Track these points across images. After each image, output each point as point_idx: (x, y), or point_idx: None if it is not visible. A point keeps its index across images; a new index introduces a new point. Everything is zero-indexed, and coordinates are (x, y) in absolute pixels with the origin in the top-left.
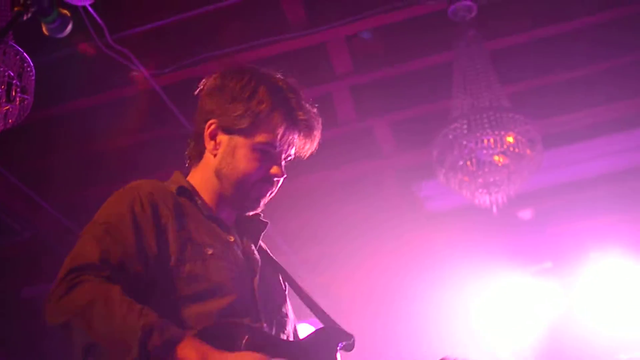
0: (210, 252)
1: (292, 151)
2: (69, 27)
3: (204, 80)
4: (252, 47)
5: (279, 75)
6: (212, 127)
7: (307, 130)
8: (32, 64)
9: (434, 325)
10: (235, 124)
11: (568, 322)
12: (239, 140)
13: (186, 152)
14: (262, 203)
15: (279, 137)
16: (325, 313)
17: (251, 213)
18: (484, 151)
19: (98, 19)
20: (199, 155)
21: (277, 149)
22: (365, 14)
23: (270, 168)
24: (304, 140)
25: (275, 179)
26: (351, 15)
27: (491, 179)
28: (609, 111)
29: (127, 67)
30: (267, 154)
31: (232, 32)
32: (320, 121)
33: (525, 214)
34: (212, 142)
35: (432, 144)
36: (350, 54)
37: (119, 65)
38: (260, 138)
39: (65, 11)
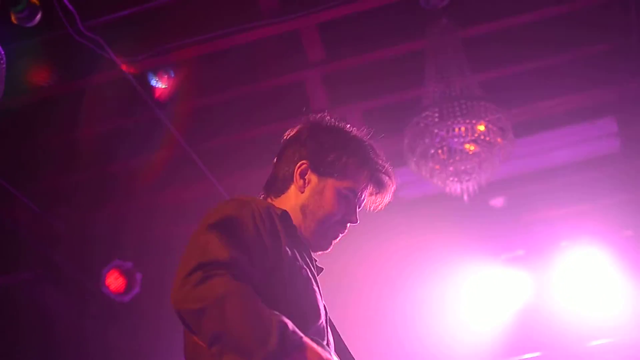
0: (309, 275)
1: (363, 203)
2: (38, 16)
3: (289, 130)
4: (225, 35)
5: (364, 135)
6: (304, 166)
7: (383, 189)
8: (2, 52)
9: (404, 311)
10: (327, 168)
11: (539, 309)
12: (328, 182)
13: (264, 186)
14: (332, 244)
15: (361, 187)
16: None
17: (319, 253)
18: (455, 139)
19: (69, 5)
20: (281, 189)
21: (357, 198)
22: (337, 2)
23: (347, 213)
24: (377, 197)
25: (349, 224)
26: (323, 3)
27: (462, 167)
28: (579, 100)
29: (99, 54)
30: (348, 200)
31: (204, 20)
32: (393, 184)
33: (497, 202)
34: (302, 181)
35: (404, 132)
36: (323, 41)
37: (90, 52)
38: (347, 184)
39: (35, 0)
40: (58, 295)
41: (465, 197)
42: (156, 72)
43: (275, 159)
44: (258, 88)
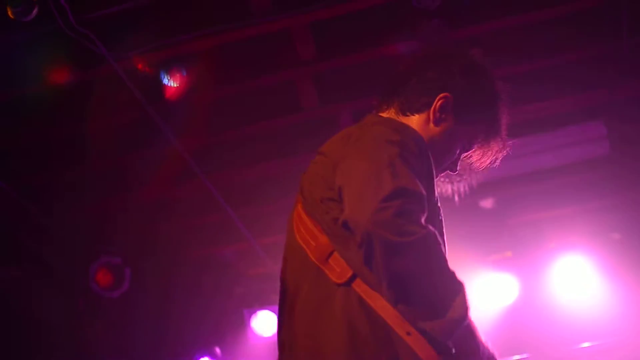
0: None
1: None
2: (35, 10)
3: (438, 45)
4: (216, 33)
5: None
6: (446, 101)
7: (493, 158)
8: None
9: None
10: (468, 116)
11: (527, 311)
12: (461, 129)
13: (388, 92)
14: None
15: (477, 143)
16: None
17: None
18: None
19: (61, 0)
20: (413, 109)
21: (468, 151)
22: (329, 1)
23: (454, 160)
24: (484, 159)
25: (452, 171)
26: (316, 2)
27: None
28: (569, 103)
29: (90, 50)
30: (463, 150)
31: (196, 18)
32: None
33: (486, 203)
34: (439, 114)
35: None
36: (315, 41)
37: (82, 48)
38: (473, 139)
39: None
40: (46, 291)
41: (456, 198)
42: (168, 70)
43: (410, 65)
44: (248, 86)
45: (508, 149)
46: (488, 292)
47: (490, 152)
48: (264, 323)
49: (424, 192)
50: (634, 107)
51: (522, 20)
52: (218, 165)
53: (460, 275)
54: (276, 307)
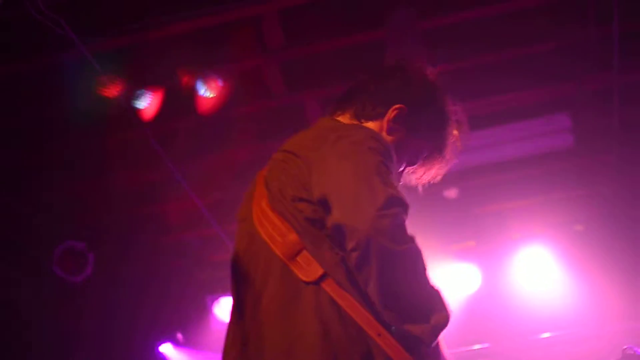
0: None
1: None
2: None
3: (397, 56)
4: (184, 18)
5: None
6: (400, 113)
7: (433, 176)
8: None
9: None
10: (419, 129)
11: (489, 301)
12: (412, 141)
13: (349, 98)
14: None
15: (421, 162)
16: None
17: None
18: None
19: None
20: (369, 116)
21: (412, 165)
22: None
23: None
24: (426, 172)
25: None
26: None
27: None
28: (534, 94)
29: (59, 34)
30: (409, 163)
31: (164, 3)
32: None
33: (450, 193)
34: (392, 124)
35: None
36: (283, 28)
37: (50, 32)
38: (421, 152)
39: None
40: (10, 273)
41: (420, 188)
42: (205, 80)
43: (369, 75)
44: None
45: (447, 168)
46: (451, 282)
47: (431, 170)
48: (227, 309)
49: (407, 201)
50: (599, 100)
51: (491, 12)
52: (184, 152)
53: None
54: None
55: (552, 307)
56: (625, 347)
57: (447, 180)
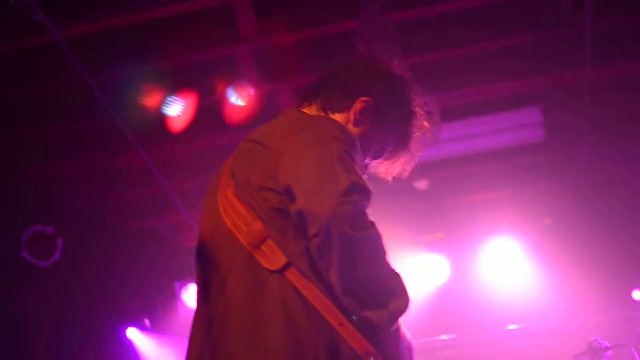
0: None
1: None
2: None
3: (384, 57)
4: (157, 4)
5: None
6: (366, 105)
7: (399, 170)
8: None
9: None
10: (385, 122)
11: (457, 292)
12: (375, 135)
13: (317, 90)
14: None
15: (386, 156)
16: None
17: None
18: None
19: None
20: (337, 109)
21: (378, 159)
22: None
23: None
24: (393, 165)
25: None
26: None
27: None
28: (506, 88)
29: (29, 17)
30: (374, 156)
31: None
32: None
33: (421, 184)
34: (358, 117)
35: None
36: (256, 17)
37: (20, 15)
38: (385, 145)
39: None
40: None
41: (390, 179)
42: (235, 89)
43: (337, 67)
44: (188, 60)
45: (414, 163)
46: (420, 273)
47: (397, 164)
48: (195, 296)
49: (371, 188)
50: (571, 96)
51: (464, 5)
52: (155, 138)
53: (393, 255)
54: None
55: (519, 299)
56: (591, 339)
57: (418, 171)
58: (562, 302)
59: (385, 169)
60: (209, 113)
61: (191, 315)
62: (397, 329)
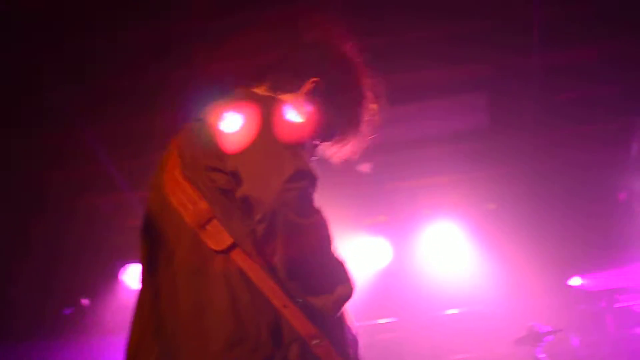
0: None
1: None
2: None
3: (322, 27)
4: None
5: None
6: (315, 86)
7: (349, 153)
8: None
9: None
10: (332, 102)
11: (398, 276)
12: (324, 117)
13: (268, 68)
14: None
15: (336, 138)
16: None
17: None
18: None
19: None
20: (287, 89)
21: (327, 141)
22: None
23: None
24: (342, 148)
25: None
26: None
27: None
28: (453, 73)
29: None
30: (323, 138)
31: None
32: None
33: (364, 167)
34: (305, 97)
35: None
36: None
37: None
38: (333, 130)
39: None
40: None
41: (335, 163)
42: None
43: (287, 48)
44: (144, 38)
45: (364, 146)
46: (362, 256)
47: (346, 147)
48: (135, 276)
49: (317, 174)
50: (516, 82)
51: None
52: (100, 116)
53: (336, 237)
54: None
55: (461, 283)
56: (530, 324)
57: (361, 154)
58: (503, 287)
59: (335, 151)
60: (160, 90)
61: (131, 296)
62: (342, 318)
